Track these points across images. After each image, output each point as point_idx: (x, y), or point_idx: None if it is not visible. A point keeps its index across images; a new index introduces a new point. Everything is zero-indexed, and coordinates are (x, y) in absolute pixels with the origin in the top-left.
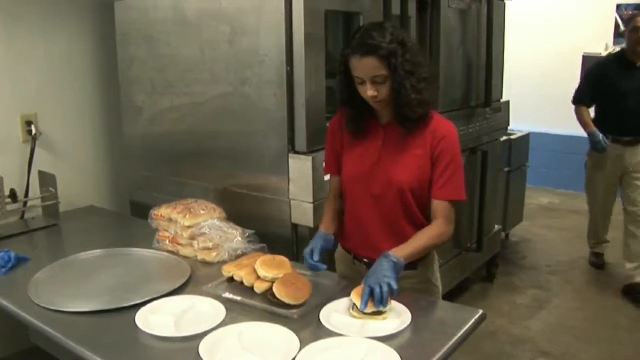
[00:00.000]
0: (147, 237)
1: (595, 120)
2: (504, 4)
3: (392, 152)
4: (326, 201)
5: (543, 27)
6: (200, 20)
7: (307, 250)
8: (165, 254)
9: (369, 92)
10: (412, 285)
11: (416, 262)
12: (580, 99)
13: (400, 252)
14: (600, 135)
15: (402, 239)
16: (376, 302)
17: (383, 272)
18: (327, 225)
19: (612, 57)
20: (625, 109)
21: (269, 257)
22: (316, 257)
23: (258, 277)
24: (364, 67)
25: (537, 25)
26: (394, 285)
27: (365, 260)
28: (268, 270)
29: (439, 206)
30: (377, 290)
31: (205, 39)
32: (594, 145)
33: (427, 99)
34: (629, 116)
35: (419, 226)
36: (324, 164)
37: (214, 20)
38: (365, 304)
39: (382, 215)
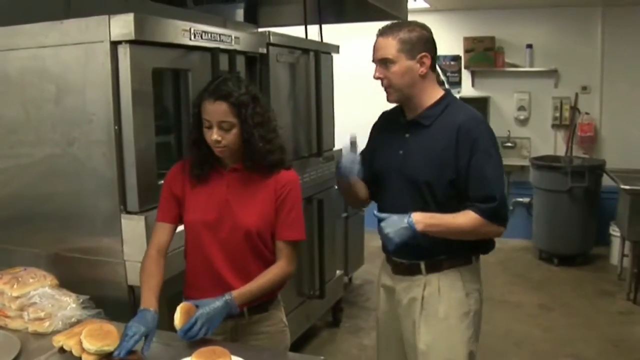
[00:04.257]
0: None
1: None
2: (332, 56)
3: (237, 197)
4: (146, 260)
5: (371, 78)
6: (23, 79)
7: (128, 332)
8: None
9: (213, 136)
10: (267, 328)
11: (266, 305)
12: None
13: (238, 294)
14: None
15: (252, 278)
16: (187, 335)
17: (216, 317)
18: (150, 300)
19: None
20: None
21: (95, 326)
22: (130, 344)
23: None
24: (215, 111)
25: (365, 76)
26: (209, 333)
27: None
28: (92, 342)
29: (283, 246)
30: (197, 328)
31: (29, 98)
32: None
33: (276, 148)
34: None
35: (269, 264)
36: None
37: (38, 78)
38: (182, 328)
39: (231, 258)
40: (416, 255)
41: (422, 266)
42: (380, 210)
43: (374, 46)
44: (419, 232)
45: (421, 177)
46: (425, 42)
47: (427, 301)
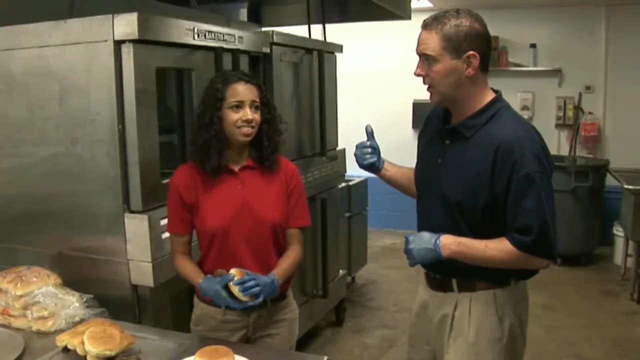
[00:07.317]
0: None
1: None
2: (335, 56)
3: (254, 193)
4: (180, 260)
5: (375, 77)
6: (27, 78)
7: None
8: None
9: (249, 115)
10: (285, 315)
11: (285, 292)
12: None
13: (278, 274)
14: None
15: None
16: (243, 286)
17: (266, 289)
18: (199, 274)
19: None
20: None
21: (98, 329)
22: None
23: None
24: (248, 91)
25: (369, 75)
26: (260, 299)
27: None
28: (94, 345)
29: (295, 233)
30: (252, 283)
31: (33, 98)
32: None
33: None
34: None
35: (283, 253)
36: (167, 224)
37: (41, 78)
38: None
39: (255, 254)
40: (447, 271)
41: (454, 284)
42: (418, 224)
43: (418, 39)
44: (444, 258)
45: (452, 196)
46: (474, 39)
47: (457, 321)
